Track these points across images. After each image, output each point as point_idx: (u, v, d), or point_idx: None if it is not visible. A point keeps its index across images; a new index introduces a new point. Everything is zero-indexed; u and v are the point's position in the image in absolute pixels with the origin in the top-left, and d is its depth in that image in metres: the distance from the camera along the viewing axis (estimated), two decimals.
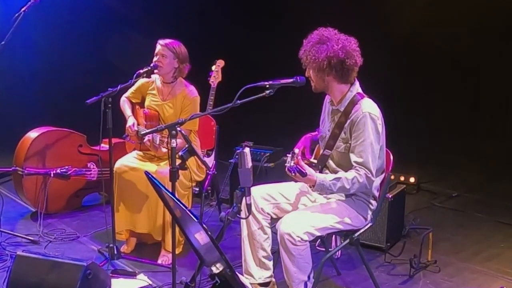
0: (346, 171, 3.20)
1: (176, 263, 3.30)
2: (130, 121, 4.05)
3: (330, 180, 3.11)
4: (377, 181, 3.30)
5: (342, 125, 3.24)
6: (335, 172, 3.26)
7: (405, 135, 6.62)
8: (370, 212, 3.35)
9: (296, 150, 3.01)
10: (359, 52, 3.21)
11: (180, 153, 3.08)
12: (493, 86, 6.89)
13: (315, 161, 3.39)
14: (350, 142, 3.20)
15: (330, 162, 3.33)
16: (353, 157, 3.17)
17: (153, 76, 4.09)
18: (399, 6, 6.90)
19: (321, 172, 3.33)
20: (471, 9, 6.60)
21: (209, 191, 4.73)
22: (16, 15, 3.96)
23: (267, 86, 3.07)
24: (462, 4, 6.65)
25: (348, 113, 3.22)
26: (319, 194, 3.37)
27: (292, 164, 2.97)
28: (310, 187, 3.29)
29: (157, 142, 3.84)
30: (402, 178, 5.33)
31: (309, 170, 3.06)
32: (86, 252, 4.12)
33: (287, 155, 3.00)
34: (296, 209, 3.34)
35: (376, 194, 3.35)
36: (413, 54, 7.11)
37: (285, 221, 3.12)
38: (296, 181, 3.34)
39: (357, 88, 3.28)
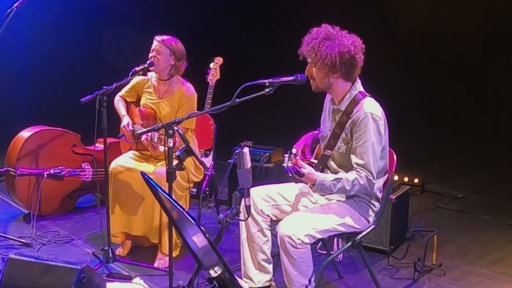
0: (346, 171, 3.20)
1: (173, 267, 3.30)
2: (125, 120, 4.05)
3: (330, 180, 3.11)
4: (380, 182, 3.30)
5: (343, 125, 3.24)
6: (336, 172, 3.26)
7: (409, 134, 6.61)
8: (373, 214, 3.35)
9: (294, 150, 3.01)
10: (364, 49, 3.22)
11: (177, 153, 3.07)
12: (500, 85, 6.89)
13: (316, 161, 3.39)
14: (351, 143, 3.20)
15: (331, 162, 3.32)
16: (354, 159, 3.17)
17: (148, 74, 4.10)
18: (402, 3, 6.90)
19: (321, 172, 3.32)
20: (477, 5, 6.60)
21: (207, 192, 4.73)
22: (9, 11, 3.96)
23: (267, 84, 3.07)
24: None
25: (349, 113, 3.22)
26: (319, 194, 3.37)
27: (289, 164, 2.97)
28: (310, 187, 3.29)
29: (155, 140, 3.84)
30: (406, 179, 5.33)
31: (308, 169, 3.06)
32: (81, 255, 4.11)
33: (285, 155, 2.99)
34: (297, 211, 3.34)
35: (379, 195, 3.35)
36: (417, 52, 7.11)
37: (286, 223, 3.12)
38: (296, 182, 3.34)
39: (359, 87, 3.28)
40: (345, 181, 3.12)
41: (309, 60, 3.22)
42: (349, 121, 3.21)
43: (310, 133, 3.59)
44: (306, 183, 3.28)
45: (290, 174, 3.02)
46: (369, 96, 3.25)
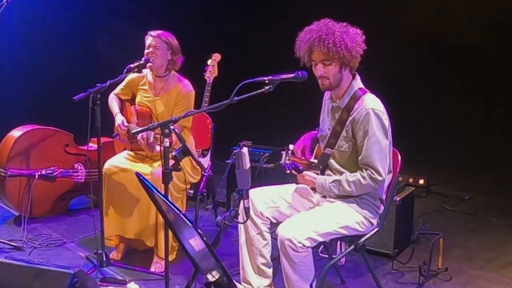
0: (350, 171, 3.20)
1: (170, 271, 3.30)
2: (118, 119, 4.05)
3: (329, 182, 3.11)
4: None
5: (344, 122, 3.24)
6: (339, 172, 3.26)
7: (414, 134, 6.61)
8: (376, 216, 3.35)
9: (291, 146, 3.01)
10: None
11: (173, 153, 3.07)
12: (508, 84, 6.89)
13: (316, 161, 3.39)
14: (352, 140, 3.21)
15: (332, 161, 3.32)
16: (359, 157, 3.18)
17: (144, 70, 4.09)
18: None
19: (322, 172, 3.33)
20: (485, 2, 6.59)
21: (205, 194, 4.73)
22: None
23: (267, 81, 3.06)
24: None
25: (349, 109, 3.22)
26: (322, 196, 3.36)
27: (286, 160, 2.97)
28: (312, 189, 3.29)
29: (151, 139, 3.84)
30: (410, 180, 5.34)
31: (308, 172, 3.05)
32: (73, 259, 4.11)
33: (282, 151, 2.99)
34: (297, 213, 3.34)
35: (383, 197, 3.35)
36: (424, 49, 7.11)
37: (286, 226, 3.12)
38: (297, 183, 3.34)
39: (358, 83, 3.28)
40: (344, 182, 3.12)
41: (319, 59, 3.17)
42: (350, 118, 3.22)
43: (309, 133, 3.59)
44: (305, 184, 3.28)
45: (288, 171, 3.02)
46: (370, 92, 3.26)
